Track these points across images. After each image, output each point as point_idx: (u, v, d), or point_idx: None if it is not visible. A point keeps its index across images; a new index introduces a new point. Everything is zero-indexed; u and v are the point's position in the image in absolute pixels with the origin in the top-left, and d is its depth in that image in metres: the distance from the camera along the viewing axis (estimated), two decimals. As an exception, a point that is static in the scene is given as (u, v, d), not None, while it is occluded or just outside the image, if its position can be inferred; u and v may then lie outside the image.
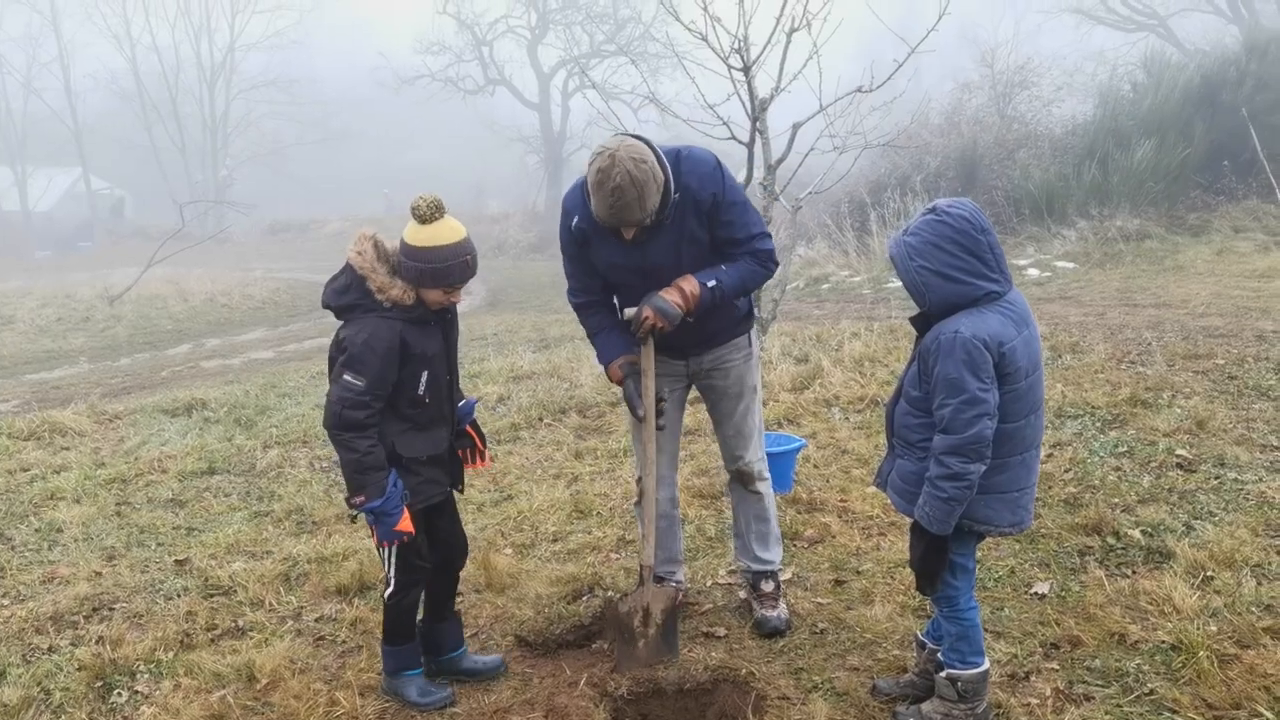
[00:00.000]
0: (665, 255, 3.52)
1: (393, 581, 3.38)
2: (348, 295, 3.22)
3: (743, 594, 4.08)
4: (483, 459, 3.63)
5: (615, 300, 3.78)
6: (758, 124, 8.32)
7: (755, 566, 3.95)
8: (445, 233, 3.15)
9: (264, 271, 26.56)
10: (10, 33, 45.16)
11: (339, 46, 57.17)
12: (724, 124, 8.49)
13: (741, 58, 8.29)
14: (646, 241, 3.50)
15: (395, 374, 3.21)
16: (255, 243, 39.67)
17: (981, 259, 2.80)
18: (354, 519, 3.32)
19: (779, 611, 3.86)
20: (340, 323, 3.31)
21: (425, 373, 3.28)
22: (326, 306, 3.30)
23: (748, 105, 8.35)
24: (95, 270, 28.03)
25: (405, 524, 3.23)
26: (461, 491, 3.65)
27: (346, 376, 3.14)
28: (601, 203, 3.30)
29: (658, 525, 3.90)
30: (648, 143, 3.36)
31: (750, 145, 8.46)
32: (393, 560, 3.35)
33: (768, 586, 3.93)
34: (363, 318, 3.19)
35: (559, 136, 42.00)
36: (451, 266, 3.17)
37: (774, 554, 3.97)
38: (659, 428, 3.71)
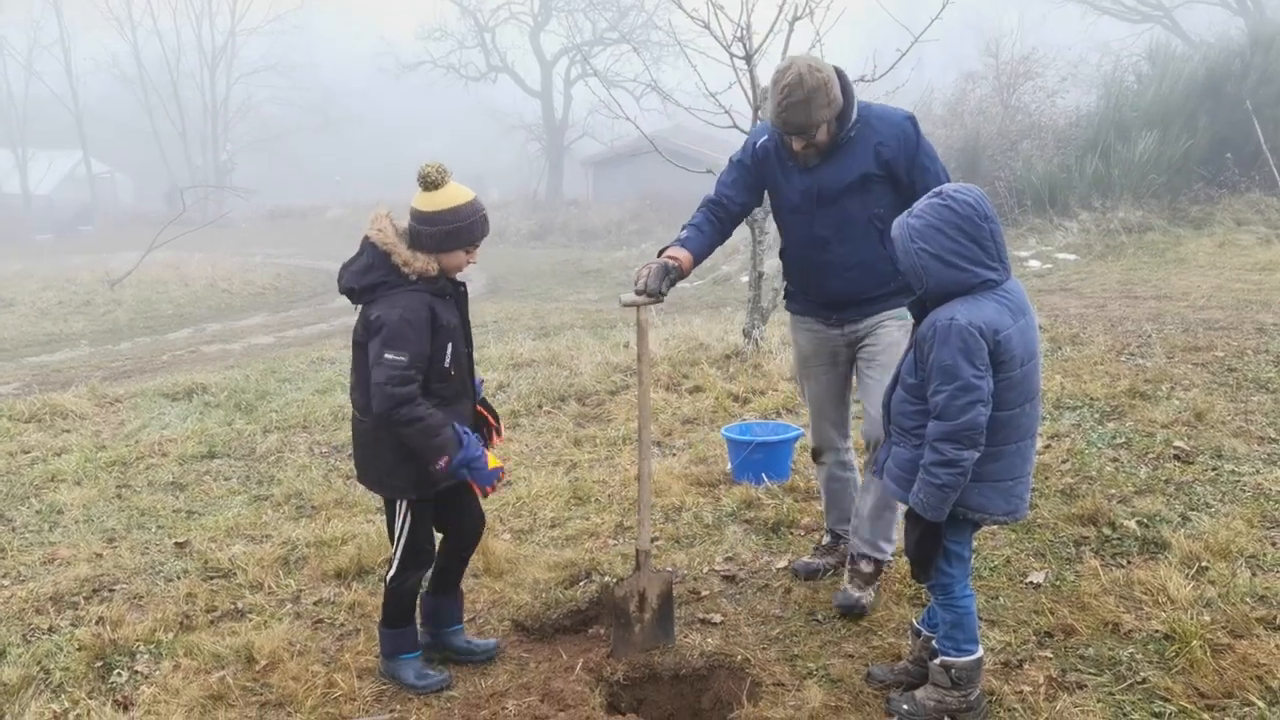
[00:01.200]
0: (834, 185, 3.64)
1: (396, 564, 3.40)
2: (372, 274, 3.20)
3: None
4: (498, 435, 3.64)
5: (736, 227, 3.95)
6: (760, 113, 8.32)
7: (863, 549, 3.86)
8: (458, 193, 3.21)
9: (264, 257, 26.56)
10: (12, 15, 45.08)
11: (340, 32, 57.04)
12: (725, 112, 8.49)
13: (744, 46, 8.27)
14: (819, 167, 3.64)
15: (429, 346, 3.21)
16: (256, 228, 39.62)
17: (983, 246, 2.80)
18: (451, 480, 3.32)
19: (863, 595, 3.79)
20: (360, 308, 3.29)
21: (450, 345, 3.28)
22: (347, 290, 3.27)
23: (750, 94, 8.34)
24: (96, 254, 28.03)
25: (493, 461, 3.28)
26: None
27: (388, 355, 3.10)
28: (772, 102, 3.48)
29: (831, 488, 4.16)
30: (839, 71, 3.55)
31: (752, 134, 8.45)
32: (402, 541, 3.37)
33: (866, 566, 3.84)
34: (390, 294, 3.18)
35: (561, 124, 41.94)
36: (474, 223, 3.23)
37: (887, 547, 3.90)
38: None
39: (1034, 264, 13.75)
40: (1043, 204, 16.13)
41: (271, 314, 16.85)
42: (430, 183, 3.17)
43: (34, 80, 47.67)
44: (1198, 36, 23.53)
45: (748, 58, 8.19)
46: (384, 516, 3.57)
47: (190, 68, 48.50)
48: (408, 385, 3.12)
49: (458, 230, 3.20)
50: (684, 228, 3.85)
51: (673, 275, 3.60)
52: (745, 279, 10.03)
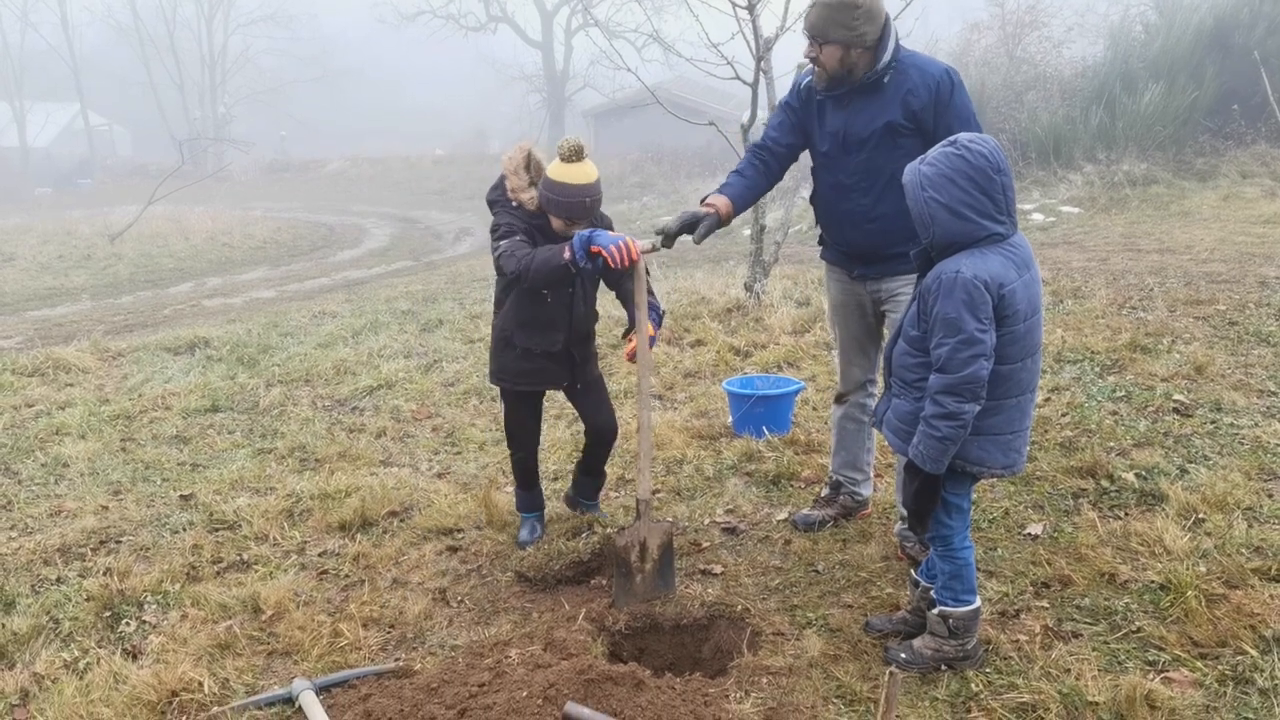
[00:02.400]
0: (859, 131, 3.65)
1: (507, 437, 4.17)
2: (494, 191, 3.84)
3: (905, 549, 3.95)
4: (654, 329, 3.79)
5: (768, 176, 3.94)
6: (762, 64, 8.23)
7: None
8: (575, 174, 3.60)
9: (264, 211, 26.43)
10: (5, -36, 44.42)
11: (338, -19, 56.16)
12: (728, 63, 8.40)
13: (746, -5, 8.15)
14: (849, 104, 3.66)
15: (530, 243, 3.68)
16: (254, 181, 39.37)
17: (993, 199, 2.78)
18: (593, 261, 3.50)
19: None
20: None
21: None
22: (487, 202, 3.89)
23: (752, 45, 8.24)
24: (95, 208, 27.91)
25: (624, 243, 3.40)
26: (579, 387, 4.11)
27: (501, 243, 3.64)
28: (808, 10, 3.56)
29: (844, 427, 4.19)
30: (886, 16, 3.56)
31: (755, 85, 8.38)
32: (504, 420, 4.14)
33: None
34: (501, 211, 3.78)
35: (561, 76, 41.49)
36: (570, 203, 3.62)
37: None
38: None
39: (1037, 217, 13.68)
40: (1047, 156, 15.99)
41: (272, 268, 16.80)
42: (562, 156, 3.62)
43: (29, 32, 47.07)
44: (1207, -15, 23.16)
45: (750, 8, 8.08)
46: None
47: (187, 17, 47.90)
48: (520, 249, 3.55)
49: (556, 203, 3.63)
50: (729, 175, 3.91)
51: (708, 223, 3.68)
52: (748, 232, 10.00)
